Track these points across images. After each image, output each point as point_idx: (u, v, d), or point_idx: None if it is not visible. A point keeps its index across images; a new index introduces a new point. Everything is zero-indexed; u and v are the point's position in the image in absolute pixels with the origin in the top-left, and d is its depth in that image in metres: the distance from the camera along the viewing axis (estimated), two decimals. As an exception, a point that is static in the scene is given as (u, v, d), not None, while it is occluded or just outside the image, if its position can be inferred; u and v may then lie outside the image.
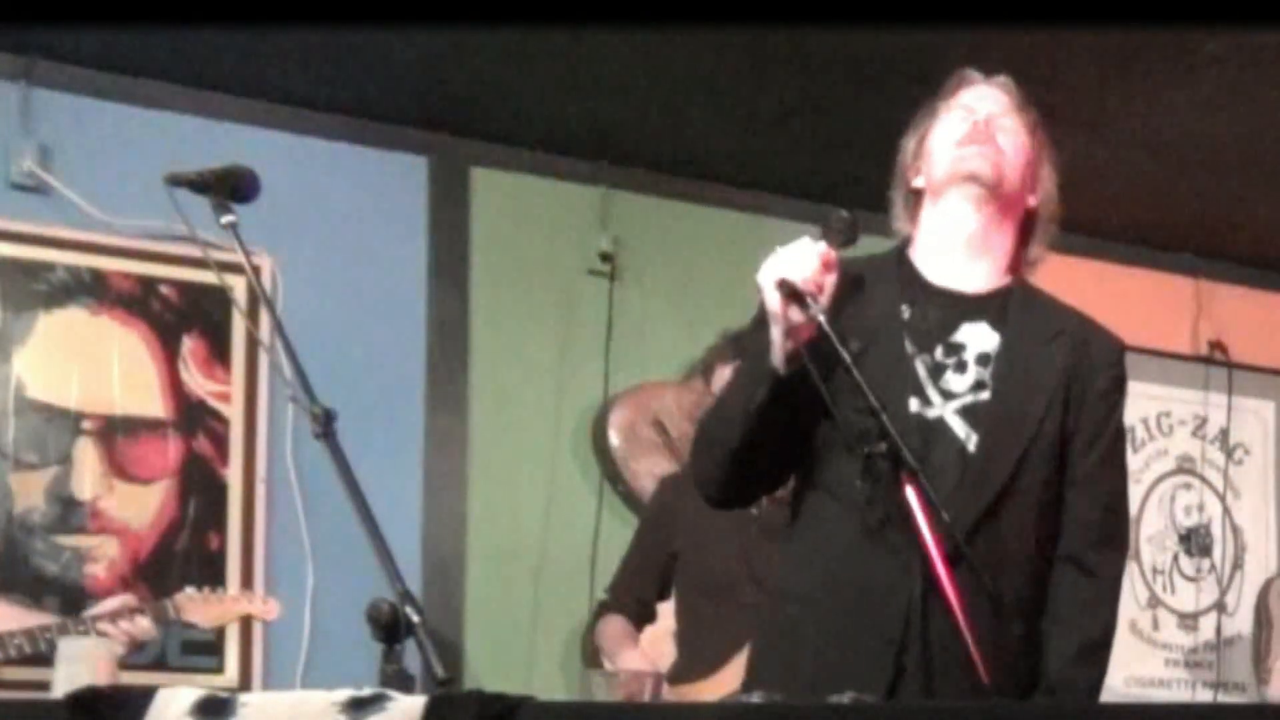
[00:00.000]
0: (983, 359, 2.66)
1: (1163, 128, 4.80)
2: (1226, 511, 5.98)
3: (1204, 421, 5.96)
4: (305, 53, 4.30)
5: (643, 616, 4.13)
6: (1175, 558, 5.89)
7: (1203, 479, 5.97)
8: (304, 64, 4.37)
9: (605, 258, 5.00)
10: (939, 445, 2.58)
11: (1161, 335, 5.90)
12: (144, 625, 3.44)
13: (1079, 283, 5.78)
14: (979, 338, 2.67)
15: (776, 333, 2.52)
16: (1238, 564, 5.98)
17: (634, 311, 5.05)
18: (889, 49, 4.26)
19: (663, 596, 4.13)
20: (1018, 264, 2.79)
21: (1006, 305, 2.71)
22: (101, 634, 3.39)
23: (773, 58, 4.34)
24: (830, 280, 2.51)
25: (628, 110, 4.69)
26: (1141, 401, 5.85)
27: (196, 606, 3.55)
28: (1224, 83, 4.46)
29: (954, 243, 2.72)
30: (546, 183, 4.99)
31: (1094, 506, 2.67)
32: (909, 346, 2.64)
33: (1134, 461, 5.84)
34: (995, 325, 2.68)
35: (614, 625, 4.09)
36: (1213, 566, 5.93)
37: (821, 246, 2.52)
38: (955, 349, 2.66)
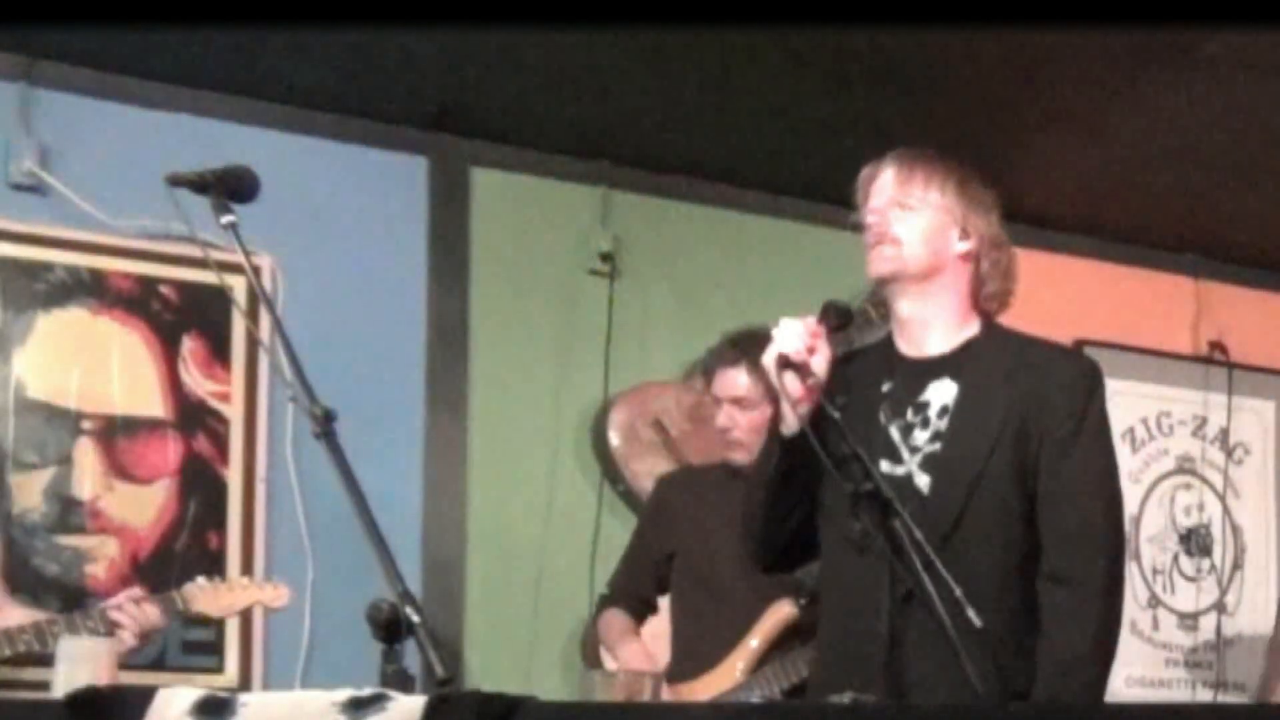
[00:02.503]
0: (943, 411, 2.92)
1: (1163, 128, 4.80)
2: (1226, 511, 5.98)
3: (1204, 421, 5.96)
4: (305, 53, 4.30)
5: (643, 612, 4.14)
6: (1175, 558, 5.88)
7: (1203, 479, 5.97)
8: (304, 64, 4.36)
9: (605, 258, 5.00)
10: (905, 496, 2.80)
11: (1161, 335, 5.90)
12: (153, 614, 3.42)
13: (1079, 283, 5.83)
14: (941, 393, 2.94)
15: (785, 407, 2.85)
16: (1238, 564, 5.97)
17: (634, 311, 5.05)
18: (890, 49, 4.26)
19: (661, 592, 4.14)
20: (978, 307, 3.00)
21: (966, 356, 2.95)
22: (112, 623, 3.37)
23: (773, 57, 4.33)
24: (822, 346, 2.84)
25: (628, 110, 4.69)
26: (1141, 401, 5.86)
27: (205, 596, 3.52)
28: (1223, 83, 4.46)
29: (906, 326, 3.00)
30: (546, 183, 4.98)
31: (1067, 522, 2.84)
32: (883, 416, 2.94)
33: (1134, 461, 5.85)
34: (955, 378, 2.94)
35: (615, 619, 4.09)
36: (1213, 566, 5.93)
37: (810, 320, 2.85)
38: (922, 408, 2.94)
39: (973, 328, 2.98)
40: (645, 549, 4.14)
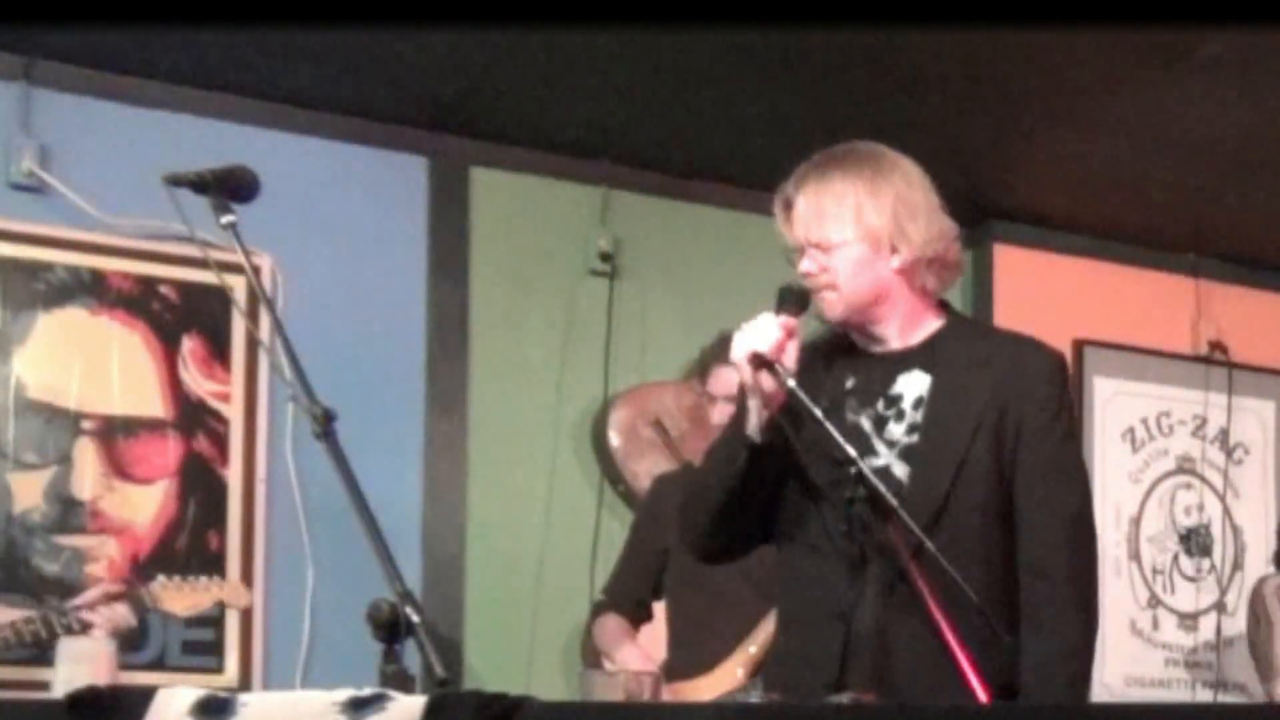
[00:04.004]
0: (917, 403, 2.85)
1: (1163, 128, 4.80)
2: (1226, 511, 5.98)
3: (1204, 421, 5.96)
4: (305, 53, 4.30)
5: (639, 615, 4.13)
6: (1175, 558, 5.88)
7: (1203, 479, 5.97)
8: (304, 64, 4.36)
9: (605, 258, 5.00)
10: (886, 490, 2.73)
11: (1161, 335, 5.90)
12: (122, 612, 3.47)
13: (1079, 282, 5.83)
14: (914, 384, 2.87)
15: (753, 404, 2.77)
16: (1238, 564, 5.97)
17: (634, 311, 5.05)
18: (889, 49, 4.27)
19: (657, 596, 4.13)
20: (931, 300, 2.93)
21: (935, 348, 2.89)
22: (82, 622, 3.41)
23: (772, 57, 4.34)
24: (793, 345, 2.74)
25: (628, 110, 4.69)
26: (1141, 401, 5.86)
27: (170, 595, 3.58)
28: (1224, 83, 4.46)
29: (860, 334, 2.92)
30: (546, 182, 4.98)
31: (1045, 515, 2.80)
32: (850, 412, 2.86)
33: (1134, 461, 5.85)
34: (926, 369, 2.87)
35: (611, 624, 4.09)
36: (1213, 566, 5.93)
37: (782, 317, 2.74)
38: (894, 400, 2.87)
39: (935, 321, 2.92)
40: (640, 551, 4.13)
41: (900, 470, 2.81)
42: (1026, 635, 2.75)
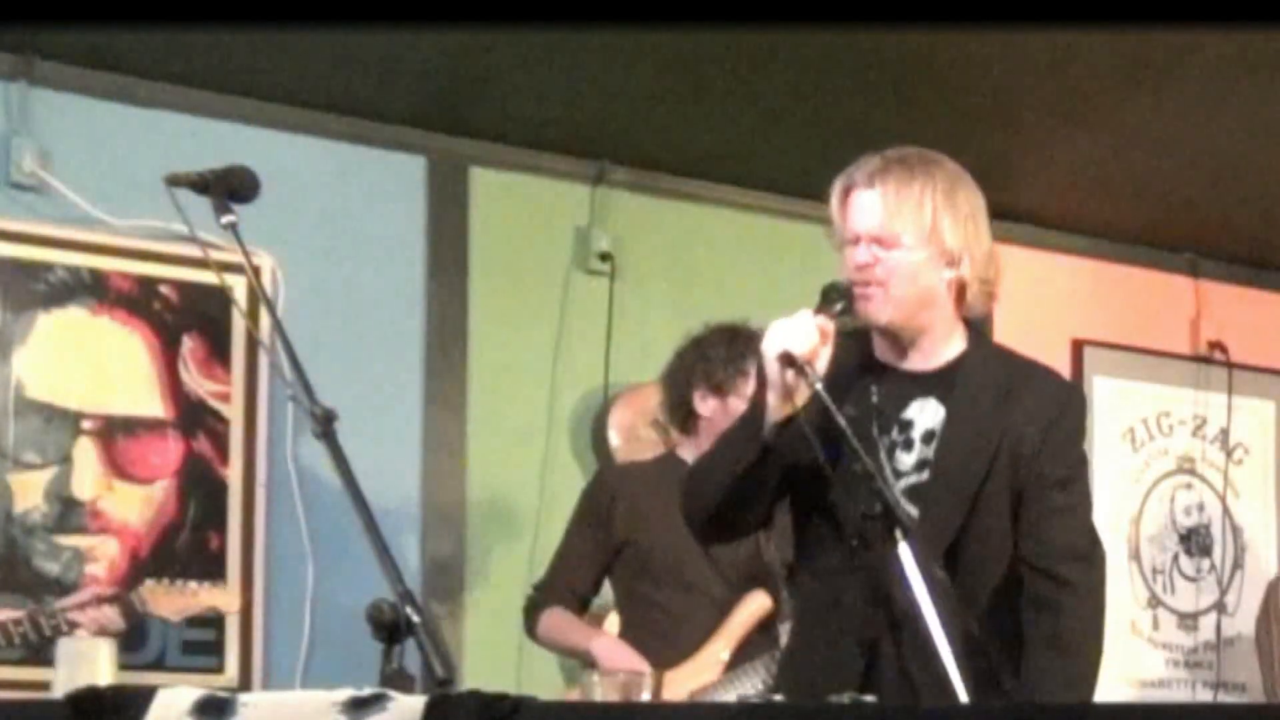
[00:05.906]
0: (928, 436, 2.84)
1: (1162, 128, 4.80)
2: (1226, 511, 5.98)
3: (1204, 421, 5.96)
4: (305, 53, 4.30)
5: (580, 611, 4.05)
6: (1175, 558, 5.88)
7: (1203, 479, 5.97)
8: (304, 64, 4.37)
9: (605, 257, 5.00)
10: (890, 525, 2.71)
11: (1161, 335, 5.90)
12: (111, 615, 3.45)
13: (1079, 282, 5.83)
14: (926, 414, 2.86)
15: (774, 398, 2.73)
16: (1238, 564, 5.97)
17: (634, 311, 5.04)
18: (889, 49, 4.27)
19: (598, 590, 4.08)
20: (961, 324, 2.91)
21: (955, 376, 2.86)
22: (71, 623, 3.39)
23: (772, 58, 4.34)
24: (827, 350, 2.72)
25: (627, 110, 4.69)
26: (1141, 401, 5.86)
27: (160, 598, 3.55)
28: (1224, 83, 4.46)
29: (890, 340, 2.89)
30: (546, 182, 4.98)
31: (1052, 552, 2.80)
32: (875, 430, 2.84)
33: (1134, 461, 5.85)
34: (942, 399, 2.85)
35: (559, 616, 4.00)
36: (1213, 566, 5.93)
37: (820, 319, 2.72)
38: (905, 426, 2.86)
39: (959, 342, 2.90)
40: (587, 545, 4.03)
41: (907, 507, 2.79)
42: (1032, 667, 2.76)
